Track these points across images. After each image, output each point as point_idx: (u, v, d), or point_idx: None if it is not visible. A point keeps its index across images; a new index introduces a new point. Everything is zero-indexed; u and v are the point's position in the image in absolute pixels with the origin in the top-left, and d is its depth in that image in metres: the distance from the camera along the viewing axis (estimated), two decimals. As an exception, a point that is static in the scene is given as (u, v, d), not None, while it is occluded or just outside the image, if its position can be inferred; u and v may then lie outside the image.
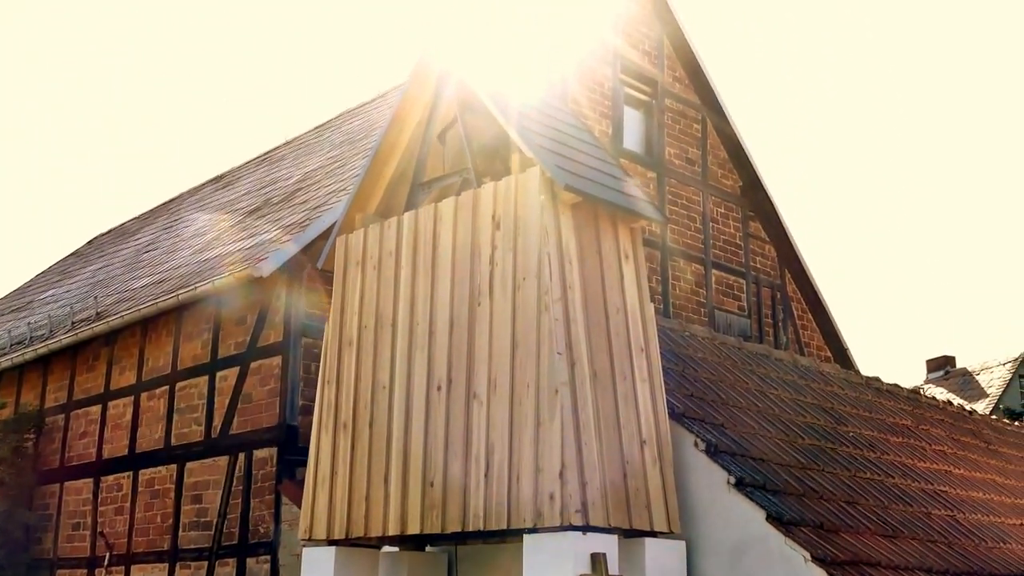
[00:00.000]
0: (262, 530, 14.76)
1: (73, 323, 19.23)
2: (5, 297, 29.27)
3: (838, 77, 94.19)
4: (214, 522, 15.45)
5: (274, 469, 14.71)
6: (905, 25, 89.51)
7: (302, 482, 12.48)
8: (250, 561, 14.88)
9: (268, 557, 14.62)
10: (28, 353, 19.50)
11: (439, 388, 10.20)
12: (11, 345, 20.91)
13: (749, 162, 20.83)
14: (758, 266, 21.01)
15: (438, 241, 10.69)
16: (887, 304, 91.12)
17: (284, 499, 14.47)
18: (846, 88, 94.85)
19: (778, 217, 21.21)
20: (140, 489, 17.06)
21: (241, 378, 15.56)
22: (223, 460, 15.55)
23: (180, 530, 16.10)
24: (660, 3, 19.90)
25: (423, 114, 11.82)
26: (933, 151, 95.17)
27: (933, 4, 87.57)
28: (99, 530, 17.69)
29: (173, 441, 16.65)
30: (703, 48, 20.52)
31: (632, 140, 19.12)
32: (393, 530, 10.26)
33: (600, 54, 18.72)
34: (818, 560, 8.91)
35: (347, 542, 10.83)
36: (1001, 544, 11.63)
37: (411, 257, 10.92)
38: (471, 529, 9.57)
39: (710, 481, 9.82)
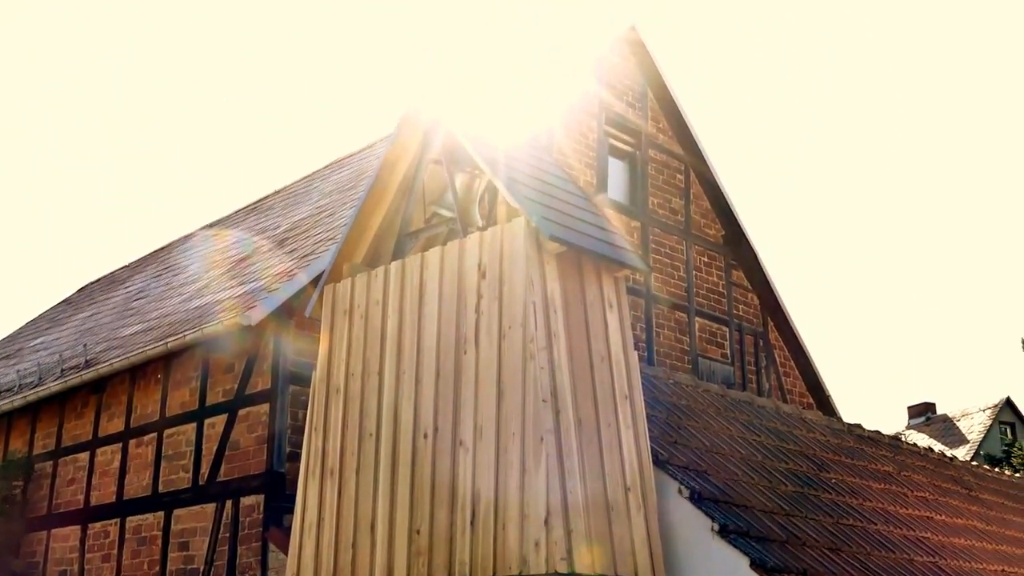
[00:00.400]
0: (249, 577, 14.67)
1: (62, 371, 19.14)
2: (-5, 344, 29.18)
3: (818, 127, 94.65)
4: (201, 569, 15.34)
5: (261, 516, 14.62)
6: (880, 69, 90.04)
7: (289, 529, 12.41)
8: (237, 608, 14.78)
9: (255, 604, 14.53)
10: (17, 400, 19.39)
11: (425, 436, 10.17)
12: (0, 392, 20.81)
13: (731, 212, 20.88)
14: (741, 314, 21.03)
15: (424, 290, 10.69)
16: (869, 351, 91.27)
17: (271, 546, 14.37)
18: (825, 138, 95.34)
19: (760, 266, 21.24)
20: (127, 536, 16.94)
21: (229, 425, 15.49)
22: (210, 507, 15.46)
23: (167, 577, 16.00)
24: (643, 55, 20.01)
25: (410, 164, 11.85)
26: (912, 201, 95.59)
27: (908, 47, 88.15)
28: (86, 577, 17.57)
29: (161, 488, 16.55)
30: (686, 99, 20.61)
31: (616, 190, 19.17)
32: (379, 577, 10.22)
33: (585, 105, 18.79)
34: (801, 607, 8.88)
35: (334, 589, 10.77)
36: (982, 590, 11.61)
37: (398, 306, 10.93)
38: (457, 576, 9.53)
39: (694, 528, 9.79)
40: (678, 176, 20.41)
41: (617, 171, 19.39)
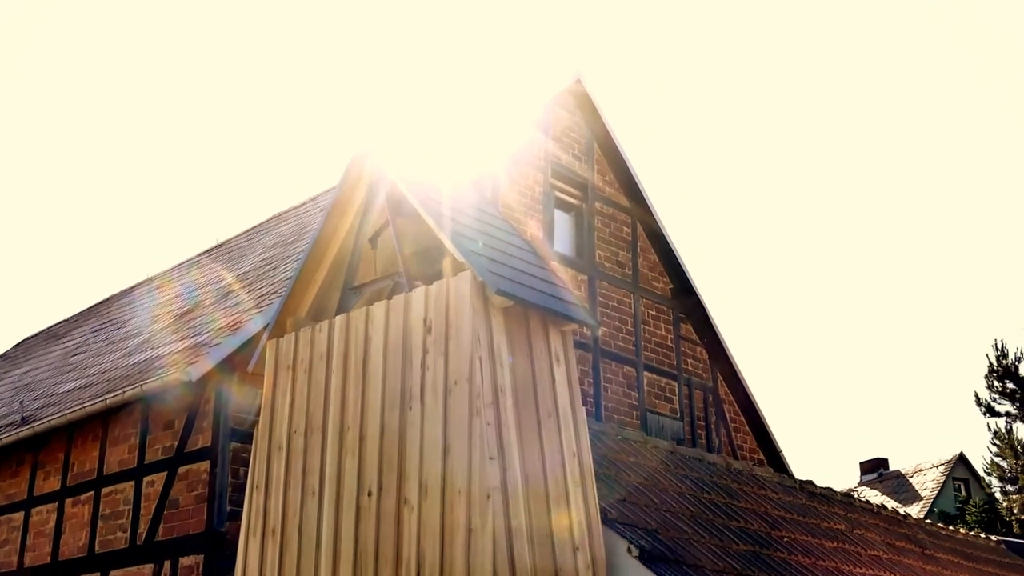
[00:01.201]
0: (188, 640, 14.51)
1: (-3, 428, 18.95)
2: (-72, 401, 28.81)
3: (767, 176, 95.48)
4: (139, 632, 15.18)
5: (201, 577, 14.49)
6: (828, 118, 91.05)
7: (230, 590, 12.30)
8: (176, 672, 14.60)
9: (194, 668, 14.35)
10: (-50, 459, 19.16)
11: (369, 494, 10.13)
12: (-67, 450, 20.54)
13: (679, 265, 20.98)
14: (690, 368, 21.09)
15: (369, 345, 10.68)
16: (819, 406, 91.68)
17: (211, 608, 14.25)
18: (774, 188, 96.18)
19: (709, 319, 21.32)
20: (63, 598, 16.75)
21: (168, 483, 15.37)
22: (148, 568, 15.30)
23: (104, 640, 15.80)
24: (589, 107, 20.13)
25: (355, 218, 11.86)
26: (863, 253, 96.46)
27: (861, 95, 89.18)
28: (20, 641, 17.33)
29: (97, 548, 16.37)
30: (632, 150, 20.73)
31: (563, 243, 19.23)
32: (322, 639, 10.13)
33: (531, 158, 18.86)
34: (752, 667, 8.87)
35: (275, 652, 10.67)
36: (935, 648, 11.63)
37: (342, 361, 10.90)
38: (401, 638, 9.46)
39: (644, 587, 9.77)
40: (625, 229, 20.51)
41: (564, 224, 19.45)
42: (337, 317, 11.22)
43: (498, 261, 10.31)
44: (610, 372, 19.14)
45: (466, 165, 15.29)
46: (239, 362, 14.65)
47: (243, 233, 25.58)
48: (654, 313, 20.58)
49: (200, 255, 26.49)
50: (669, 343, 20.74)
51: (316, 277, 11.99)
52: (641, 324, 20.15)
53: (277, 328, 11.87)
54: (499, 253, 10.52)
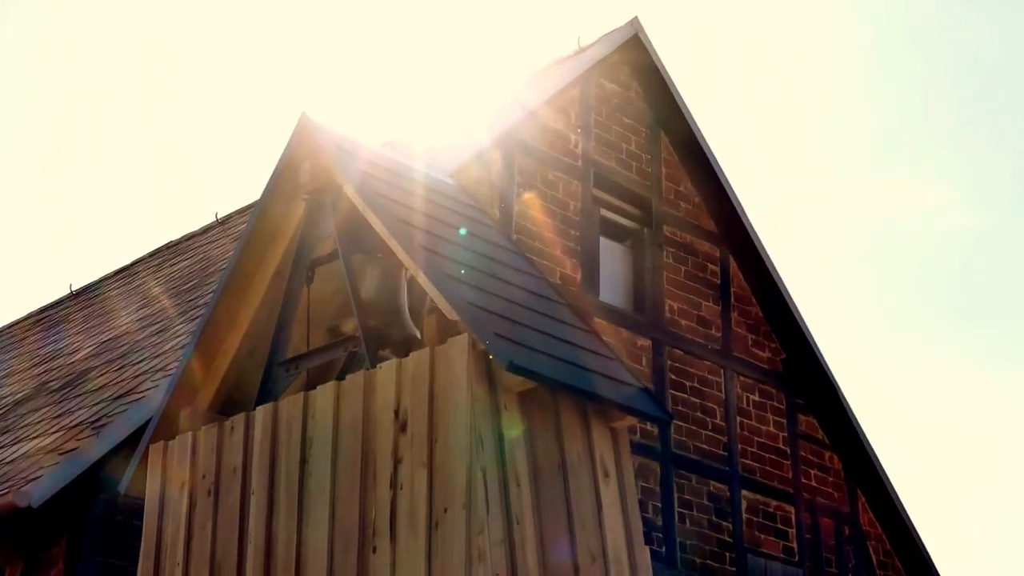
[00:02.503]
0: None
1: None
2: None
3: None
4: None
5: None
6: None
7: None
8: None
9: None
10: None
11: None
12: None
13: (796, 323, 20.89)
14: (814, 484, 21.03)
15: (310, 451, 10.66)
16: (1012, 538, 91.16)
17: None
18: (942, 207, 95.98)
19: (844, 407, 21.25)
20: None
21: (0, 670, 15.39)
22: None
23: None
24: (654, 81, 20.01)
25: (286, 253, 11.86)
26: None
27: None
28: None
29: None
30: (721, 148, 20.67)
31: (613, 289, 19.20)
32: None
33: (562, 160, 18.83)
34: None
35: None
36: None
37: (266, 476, 10.88)
38: None
39: None
40: (710, 267, 20.49)
41: (614, 259, 19.43)
42: (259, 408, 11.21)
43: (511, 319, 10.30)
44: (689, 490, 19.12)
45: (460, 168, 15.32)
46: (107, 479, 14.65)
47: (112, 276, 25.58)
48: (757, 398, 20.56)
49: (46, 310, 26.51)
50: (781, 445, 20.72)
51: (226, 345, 11.99)
52: (736, 416, 20.12)
53: (164, 426, 11.86)
54: (512, 307, 10.52)
